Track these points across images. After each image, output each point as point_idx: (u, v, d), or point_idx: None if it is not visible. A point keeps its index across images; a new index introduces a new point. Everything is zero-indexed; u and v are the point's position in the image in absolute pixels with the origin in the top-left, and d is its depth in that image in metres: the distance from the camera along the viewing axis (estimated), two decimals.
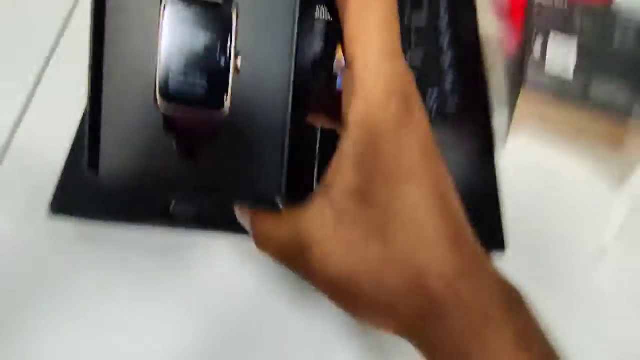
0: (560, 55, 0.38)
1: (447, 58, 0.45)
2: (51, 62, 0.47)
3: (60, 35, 0.49)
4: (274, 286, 0.36)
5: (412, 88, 0.23)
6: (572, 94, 0.37)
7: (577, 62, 0.38)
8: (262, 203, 0.25)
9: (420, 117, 0.22)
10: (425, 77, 0.44)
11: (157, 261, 0.37)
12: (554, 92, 0.37)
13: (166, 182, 0.24)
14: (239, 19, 0.23)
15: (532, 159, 0.42)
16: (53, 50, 0.48)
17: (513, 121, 0.41)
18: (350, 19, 0.22)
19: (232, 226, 0.37)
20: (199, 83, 0.23)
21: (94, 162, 0.24)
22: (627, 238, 0.37)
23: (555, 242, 0.38)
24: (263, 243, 0.25)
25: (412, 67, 0.45)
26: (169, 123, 0.24)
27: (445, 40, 0.47)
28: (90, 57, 0.23)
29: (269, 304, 0.36)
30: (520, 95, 0.38)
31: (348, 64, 0.23)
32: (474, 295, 0.22)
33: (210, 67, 0.23)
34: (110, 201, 0.38)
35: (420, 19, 0.48)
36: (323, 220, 0.22)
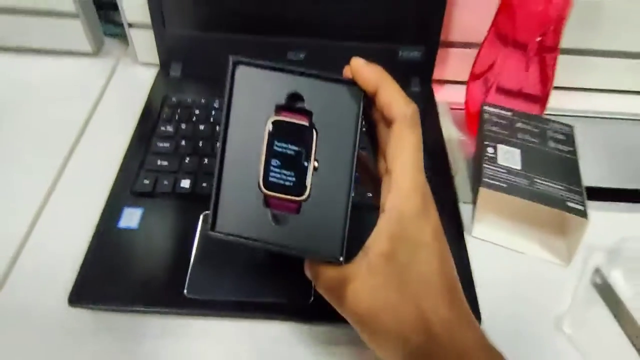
0: (508, 158, 0.47)
1: None
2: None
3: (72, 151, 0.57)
4: None
5: (429, 192, 0.33)
6: (520, 188, 0.45)
7: (521, 163, 0.47)
8: (324, 260, 0.34)
9: (433, 213, 0.32)
10: None
11: (170, 346, 0.42)
12: (506, 186, 0.45)
13: (262, 240, 0.33)
14: (318, 136, 0.34)
15: (495, 243, 0.49)
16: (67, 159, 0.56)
17: (476, 213, 0.50)
18: (393, 142, 0.33)
19: (245, 311, 0.43)
20: (289, 177, 0.34)
21: (213, 226, 0.34)
22: (579, 305, 0.45)
23: (520, 311, 0.45)
24: (318, 279, 0.34)
25: None
26: (267, 200, 0.34)
27: None
28: (218, 156, 0.34)
29: None
30: (480, 190, 0.46)
31: (388, 170, 0.33)
32: (463, 339, 0.31)
33: (297, 167, 0.34)
34: (126, 289, 0.43)
35: None
36: (360, 270, 0.32)
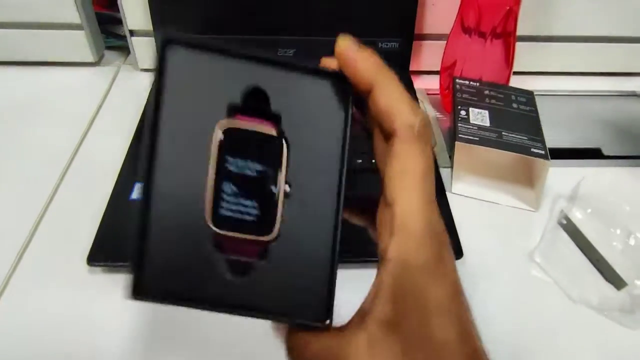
0: (479, 118, 0.54)
1: None
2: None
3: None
4: None
5: (445, 234, 0.24)
6: (490, 140, 0.52)
7: (490, 122, 0.54)
8: (304, 325, 0.25)
9: (450, 262, 0.24)
10: None
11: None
12: (478, 139, 0.52)
13: (211, 300, 0.24)
14: (289, 149, 0.24)
15: (472, 197, 0.56)
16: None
17: (454, 171, 0.56)
18: (395, 166, 0.23)
19: None
20: (250, 209, 0.24)
21: (138, 283, 0.23)
22: (547, 240, 0.51)
23: (497, 248, 0.51)
24: (297, 354, 0.25)
25: None
26: (217, 242, 0.23)
27: None
28: (143, 172, 0.23)
29: None
30: (456, 145, 0.53)
31: (388, 203, 0.23)
32: None
33: (261, 194, 0.24)
34: None
35: None
36: (357, 344, 0.23)
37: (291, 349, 0.25)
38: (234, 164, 0.24)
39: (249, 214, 0.24)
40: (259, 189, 0.24)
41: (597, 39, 0.73)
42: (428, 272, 0.23)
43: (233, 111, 0.24)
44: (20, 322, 0.43)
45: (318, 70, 0.25)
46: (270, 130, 0.24)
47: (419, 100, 0.69)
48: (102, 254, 0.47)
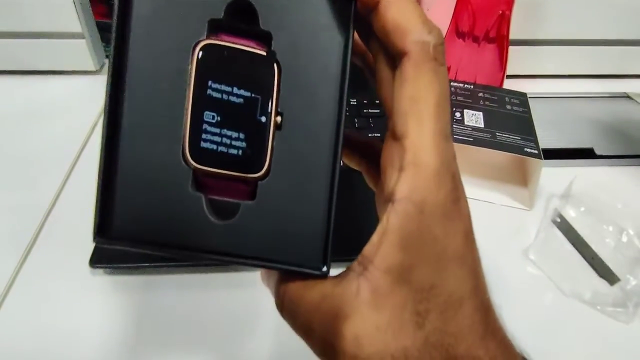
0: (473, 120, 0.56)
1: None
2: None
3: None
4: None
5: (459, 175, 0.22)
6: (484, 141, 0.53)
7: (484, 123, 0.55)
8: (297, 273, 0.22)
9: (465, 205, 0.22)
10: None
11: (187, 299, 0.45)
12: (472, 140, 0.53)
13: (192, 246, 0.21)
14: (281, 73, 0.21)
15: (468, 197, 0.56)
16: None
17: None
18: (405, 92, 0.20)
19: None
20: (236, 142, 0.21)
21: (104, 226, 0.20)
22: (541, 238, 0.52)
23: (492, 246, 0.51)
24: (290, 306, 0.22)
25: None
26: (198, 181, 0.21)
27: None
28: (106, 99, 0.20)
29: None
30: None
31: (397, 137, 0.21)
32: None
33: (248, 124, 0.21)
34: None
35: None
36: (359, 297, 0.20)
37: (282, 300, 0.23)
38: (217, 90, 0.20)
39: (234, 147, 0.21)
40: (245, 119, 0.21)
41: (589, 42, 0.75)
42: (444, 214, 0.20)
43: (215, 29, 0.21)
44: (23, 323, 0.44)
45: None
46: (259, 49, 0.21)
47: None
48: (105, 256, 0.48)
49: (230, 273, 0.44)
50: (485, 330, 0.21)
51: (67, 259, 0.48)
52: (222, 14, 0.21)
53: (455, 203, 0.21)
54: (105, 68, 0.78)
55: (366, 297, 0.20)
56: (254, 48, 0.21)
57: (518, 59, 0.71)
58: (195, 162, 0.21)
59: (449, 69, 0.67)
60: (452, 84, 0.61)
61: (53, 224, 0.53)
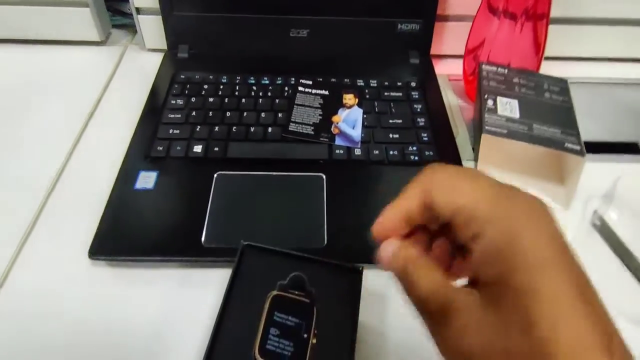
0: (507, 108, 0.50)
1: (421, 121, 0.57)
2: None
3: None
4: None
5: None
6: (520, 133, 0.48)
7: (520, 113, 0.50)
8: None
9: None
10: (404, 136, 0.55)
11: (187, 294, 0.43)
12: (507, 132, 0.48)
13: None
14: (317, 311, 0.36)
15: None
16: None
17: (478, 163, 0.52)
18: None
19: None
20: (287, 348, 0.34)
21: None
22: (578, 243, 0.47)
23: None
24: (420, 283, 0.26)
25: (394, 128, 0.56)
26: None
27: (418, 108, 0.59)
28: (214, 326, 0.36)
29: None
30: (482, 137, 0.49)
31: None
32: None
33: (296, 338, 0.35)
34: (144, 242, 0.45)
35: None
36: (473, 298, 0.24)
37: (415, 279, 0.27)
38: (279, 317, 0.36)
39: (286, 350, 0.35)
40: (295, 335, 0.35)
41: (635, 22, 0.68)
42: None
43: (282, 288, 0.38)
44: (20, 315, 0.42)
45: (339, 265, 0.39)
46: (305, 299, 0.37)
47: (440, 86, 0.64)
48: (105, 247, 0.45)
49: (229, 270, 0.41)
50: (607, 353, 0.21)
51: (65, 249, 0.46)
52: (287, 280, 0.39)
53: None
54: (111, 39, 0.74)
55: (478, 301, 0.24)
56: (302, 297, 0.37)
57: (556, 39, 0.65)
58: (260, 356, 0.34)
59: (479, 46, 0.61)
60: (483, 67, 0.55)
61: (52, 208, 0.50)
